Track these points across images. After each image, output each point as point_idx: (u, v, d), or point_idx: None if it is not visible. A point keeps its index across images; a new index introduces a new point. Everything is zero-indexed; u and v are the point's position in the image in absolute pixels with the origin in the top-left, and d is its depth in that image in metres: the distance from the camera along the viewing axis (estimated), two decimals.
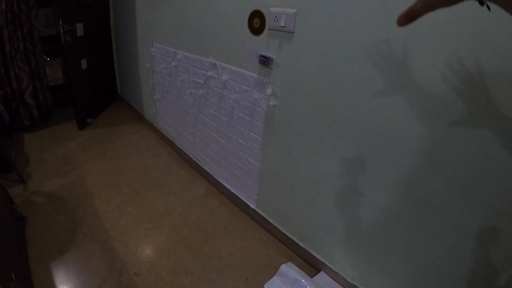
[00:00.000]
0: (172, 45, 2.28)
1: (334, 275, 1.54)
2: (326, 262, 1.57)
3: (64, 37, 2.69)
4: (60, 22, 2.65)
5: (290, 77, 1.44)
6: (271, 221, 1.85)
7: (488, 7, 0.39)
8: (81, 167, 2.52)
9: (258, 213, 1.93)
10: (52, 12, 3.32)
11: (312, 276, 1.55)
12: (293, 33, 1.36)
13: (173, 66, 2.32)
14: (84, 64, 3.04)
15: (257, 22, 1.53)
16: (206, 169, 2.36)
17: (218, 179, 2.25)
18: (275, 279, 1.55)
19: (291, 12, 1.32)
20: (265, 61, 1.54)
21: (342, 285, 1.51)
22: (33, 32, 2.86)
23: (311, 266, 1.66)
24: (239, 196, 2.07)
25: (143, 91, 3.13)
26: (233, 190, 2.12)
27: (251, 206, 1.96)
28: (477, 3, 0.38)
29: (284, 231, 1.77)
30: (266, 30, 1.48)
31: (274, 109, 1.58)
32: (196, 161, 2.45)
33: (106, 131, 3.16)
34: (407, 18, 0.39)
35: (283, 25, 1.38)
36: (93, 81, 3.29)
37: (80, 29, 2.89)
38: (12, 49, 2.76)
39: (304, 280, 1.46)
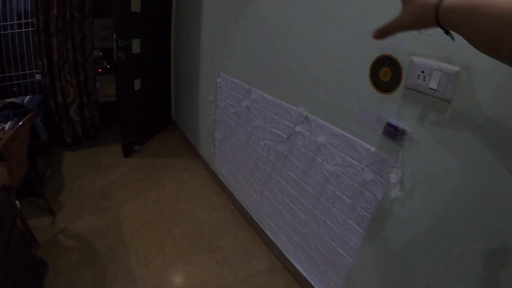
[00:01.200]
0: (245, 80, 1.90)
1: None
2: None
3: (117, 53, 2.45)
4: (114, 36, 2.41)
5: (432, 166, 0.95)
6: None
7: (452, 37, 0.42)
8: (121, 207, 2.19)
9: None
10: (110, 23, 3.17)
11: None
12: (449, 102, 0.88)
13: (244, 106, 1.93)
14: (137, 85, 2.79)
15: (386, 74, 1.07)
16: (271, 237, 1.89)
17: (286, 254, 1.77)
18: None
19: (452, 71, 0.85)
20: (393, 132, 1.06)
21: None
22: (85, 43, 2.67)
23: None
24: (313, 284, 1.58)
25: (200, 125, 2.80)
26: (304, 274, 1.64)
27: None
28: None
29: None
30: (400, 88, 1.02)
31: (395, 202, 1.09)
32: (259, 223, 2.00)
33: (154, 162, 2.86)
34: (382, 34, 0.49)
35: (433, 87, 0.91)
36: (146, 104, 3.04)
37: (136, 46, 2.64)
38: (61, 59, 2.58)
39: None
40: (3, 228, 1.08)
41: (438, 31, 0.42)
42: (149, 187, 2.46)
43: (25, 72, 2.80)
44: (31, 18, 2.61)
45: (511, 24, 0.31)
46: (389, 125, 1.08)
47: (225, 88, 2.18)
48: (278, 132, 1.65)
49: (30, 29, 2.67)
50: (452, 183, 0.90)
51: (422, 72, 0.94)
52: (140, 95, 2.87)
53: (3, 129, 2.03)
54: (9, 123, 2.10)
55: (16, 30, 2.65)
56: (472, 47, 0.37)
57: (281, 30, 1.53)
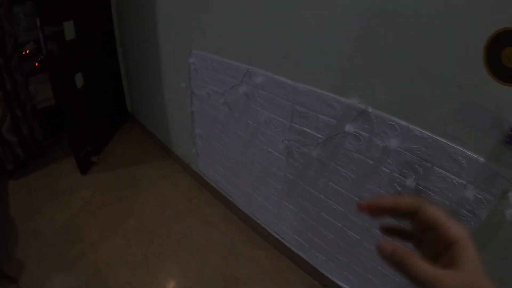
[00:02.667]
0: (241, 58, 1.36)
1: None
2: None
3: (46, 45, 1.71)
4: (38, 23, 1.68)
5: None
6: None
7: None
8: (96, 250, 1.64)
9: None
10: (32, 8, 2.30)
11: None
12: None
13: (241, 93, 1.43)
14: (79, 80, 2.05)
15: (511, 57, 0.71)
16: (301, 254, 1.54)
17: (325, 273, 1.46)
18: None
19: None
20: None
21: None
22: (5, 40, 1.84)
23: None
24: None
25: (171, 119, 2.19)
26: None
27: None
28: None
29: None
30: None
31: (503, 225, 0.81)
32: (280, 239, 1.62)
33: (121, 175, 2.23)
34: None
35: None
36: (95, 102, 2.31)
37: (69, 30, 1.88)
38: None
39: None
40: None
41: None
42: (124, 213, 1.88)
43: None
44: None
45: None
46: None
47: (204, 71, 1.61)
48: (307, 130, 1.21)
49: None
50: None
51: None
52: (85, 92, 2.12)
53: None
54: None
55: None
56: None
57: None
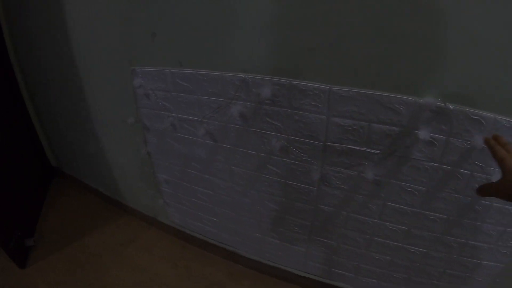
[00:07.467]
0: (225, 64, 0.96)
1: None
2: None
3: None
4: None
5: None
6: None
7: None
8: None
9: None
10: None
11: None
12: None
13: (235, 115, 1.00)
14: None
15: None
16: (345, 286, 1.26)
17: None
18: None
19: None
20: None
21: None
22: None
23: None
24: None
25: (115, 166, 1.61)
26: None
27: None
28: None
29: None
30: None
31: None
32: (314, 277, 1.31)
33: (72, 253, 1.59)
34: (482, 193, 0.57)
35: None
36: (5, 172, 1.58)
37: None
38: None
39: None
40: None
41: None
42: None
43: None
44: None
45: None
46: None
47: (161, 94, 1.14)
48: (355, 148, 0.90)
49: None
50: None
51: None
52: None
53: None
54: None
55: None
56: None
57: None
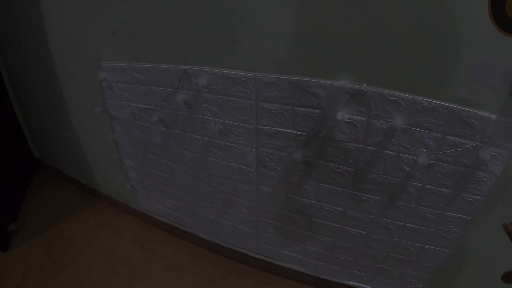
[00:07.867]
0: (171, 57, 1.05)
1: None
2: None
3: None
4: None
5: None
6: None
7: None
8: None
9: None
10: None
11: None
12: None
13: (180, 103, 1.09)
14: None
15: None
16: (297, 268, 1.35)
17: (333, 279, 1.31)
18: None
19: None
20: None
21: None
22: None
23: None
24: None
25: (89, 154, 1.71)
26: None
27: None
28: None
29: None
30: None
31: None
32: (267, 259, 1.40)
33: (50, 238, 1.69)
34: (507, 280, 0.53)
35: None
36: None
37: None
38: None
39: None
40: None
41: None
42: None
43: None
44: None
45: None
46: None
47: (122, 86, 1.23)
48: (283, 130, 0.99)
49: None
50: None
51: None
52: None
53: None
54: None
55: None
56: None
57: None
